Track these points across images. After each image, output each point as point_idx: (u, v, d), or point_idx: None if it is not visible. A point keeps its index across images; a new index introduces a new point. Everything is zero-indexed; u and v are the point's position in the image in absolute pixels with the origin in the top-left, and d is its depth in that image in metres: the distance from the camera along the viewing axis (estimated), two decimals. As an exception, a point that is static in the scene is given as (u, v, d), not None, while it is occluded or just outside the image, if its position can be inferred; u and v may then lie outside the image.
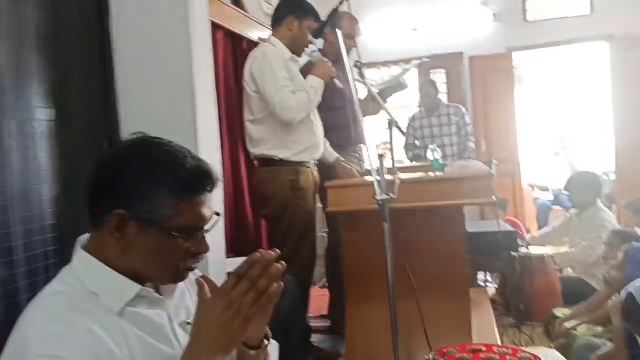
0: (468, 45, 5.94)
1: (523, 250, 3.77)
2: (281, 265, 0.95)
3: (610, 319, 2.98)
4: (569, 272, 4.07)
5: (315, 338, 3.28)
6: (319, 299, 3.89)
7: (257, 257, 0.94)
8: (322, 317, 3.62)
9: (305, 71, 2.92)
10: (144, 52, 2.19)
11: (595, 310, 3.19)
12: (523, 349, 1.60)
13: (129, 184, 1.00)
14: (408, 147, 5.18)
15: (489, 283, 4.35)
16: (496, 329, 2.80)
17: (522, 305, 3.59)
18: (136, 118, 2.12)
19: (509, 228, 3.79)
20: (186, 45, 2.18)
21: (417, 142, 5.09)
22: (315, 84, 2.79)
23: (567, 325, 3.15)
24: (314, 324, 3.42)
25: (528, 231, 5.37)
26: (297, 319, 2.95)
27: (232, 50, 3.63)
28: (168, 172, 1.00)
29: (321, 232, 3.96)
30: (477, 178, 2.33)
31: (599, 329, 3.00)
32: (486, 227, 3.77)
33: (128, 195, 0.99)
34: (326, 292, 3.73)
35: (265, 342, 1.10)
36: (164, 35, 2.19)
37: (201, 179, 1.03)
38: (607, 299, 3.09)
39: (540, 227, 5.74)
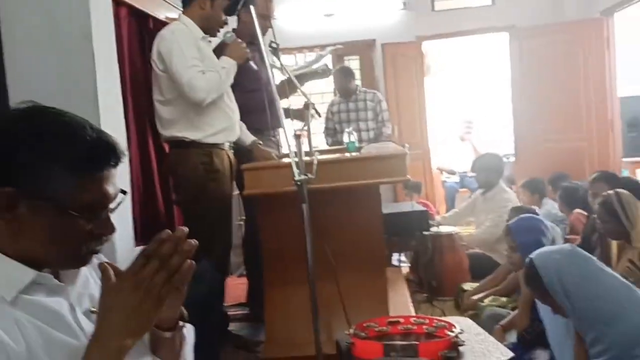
0: (380, 33, 6.05)
1: (434, 229, 3.91)
2: (193, 242, 0.89)
3: (513, 289, 3.19)
4: (475, 248, 4.28)
5: (233, 326, 3.23)
6: (237, 288, 3.83)
7: (166, 235, 0.88)
8: (240, 305, 3.57)
9: (219, 52, 2.82)
10: (37, 26, 2.02)
11: (499, 282, 3.40)
12: (438, 318, 1.65)
13: (17, 158, 0.89)
14: (327, 132, 5.21)
15: (402, 262, 4.50)
16: (411, 305, 2.89)
17: (433, 281, 3.74)
18: (26, 91, 1.95)
19: (422, 208, 3.92)
20: (85, 19, 2.04)
21: (337, 127, 5.13)
22: (228, 64, 2.71)
23: (474, 297, 3.32)
24: (232, 312, 3.37)
25: (437, 213, 5.59)
26: (214, 307, 2.88)
27: (138, 29, 3.44)
28: (64, 144, 0.90)
29: (237, 219, 3.89)
30: (393, 157, 2.37)
31: (504, 299, 3.19)
32: (400, 208, 3.88)
33: (17, 171, 0.88)
34: (243, 280, 3.68)
35: (181, 323, 1.04)
36: (62, 7, 2.03)
37: (103, 151, 0.93)
38: (510, 272, 3.28)
39: (448, 209, 6.00)
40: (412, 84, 6.02)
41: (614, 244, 3.07)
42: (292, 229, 2.35)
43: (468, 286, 3.62)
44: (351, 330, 1.55)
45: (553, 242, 2.60)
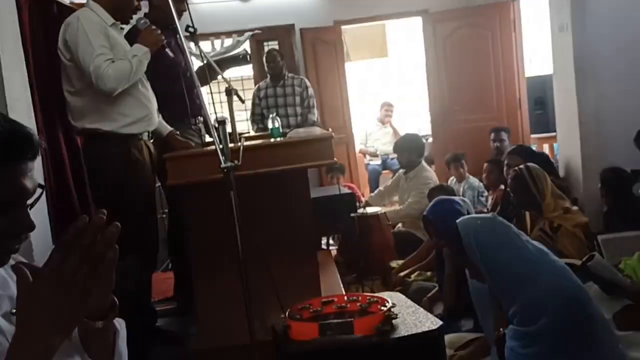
0: (299, 17, 6.03)
1: (360, 210, 3.99)
2: (115, 228, 0.85)
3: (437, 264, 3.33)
4: (399, 227, 4.42)
5: (162, 322, 3.13)
6: (162, 282, 3.73)
7: (84, 223, 0.83)
8: (168, 299, 3.47)
9: (132, 39, 2.70)
10: None
11: (424, 258, 3.53)
12: (370, 294, 1.68)
13: None
14: (254, 118, 5.14)
15: (331, 246, 4.56)
16: (341, 286, 2.94)
17: (362, 261, 3.82)
18: None
19: (348, 191, 3.98)
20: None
21: (265, 112, 5.07)
22: (140, 52, 2.60)
23: (401, 274, 3.44)
24: (159, 307, 3.27)
25: (362, 195, 5.70)
26: (142, 304, 2.80)
27: (40, 16, 3.22)
28: None
29: (159, 213, 3.77)
30: (319, 140, 2.38)
31: (428, 273, 3.32)
32: (327, 192, 3.92)
33: None
34: (168, 275, 3.58)
35: (112, 311, 0.99)
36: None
37: (19, 143, 0.87)
38: (433, 248, 3.41)
39: (372, 191, 6.14)
40: (332, 68, 6.06)
41: (527, 215, 3.27)
42: (219, 217, 2.30)
43: (395, 264, 3.74)
44: (286, 314, 1.55)
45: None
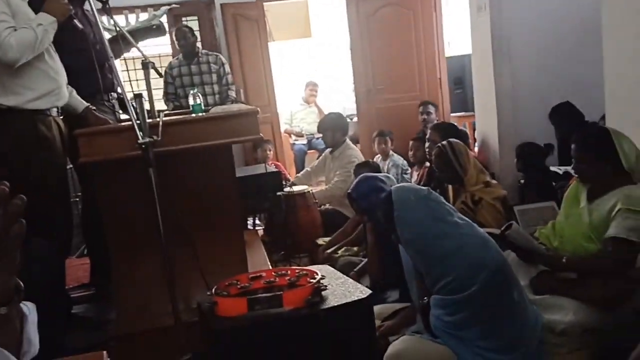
0: (219, -8, 5.83)
1: (287, 189, 3.95)
2: (20, 200, 0.76)
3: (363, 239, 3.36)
4: (326, 205, 4.43)
5: (78, 309, 2.96)
6: (77, 269, 3.53)
7: None
8: (84, 286, 3.29)
9: (36, 8, 2.48)
10: None
11: (350, 234, 3.56)
12: (299, 267, 1.65)
13: None
14: (168, 97, 4.93)
15: (258, 226, 4.50)
16: (269, 265, 2.90)
17: (289, 239, 3.79)
18: None
19: (274, 170, 3.93)
20: None
21: (179, 92, 4.88)
22: (45, 21, 2.40)
23: (328, 251, 3.44)
24: (74, 294, 3.09)
25: (289, 174, 5.67)
26: (55, 290, 2.62)
27: None
28: None
29: (72, 197, 3.55)
30: (244, 115, 2.30)
31: (355, 249, 3.34)
32: (253, 170, 3.85)
33: None
34: (83, 261, 3.39)
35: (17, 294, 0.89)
36: None
37: None
38: (359, 224, 3.44)
39: (298, 171, 6.11)
40: (255, 46, 5.93)
41: (450, 189, 3.36)
42: (139, 195, 2.19)
43: (322, 241, 3.74)
44: (213, 291, 1.49)
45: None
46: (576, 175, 2.44)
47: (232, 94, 4.94)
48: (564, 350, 2.17)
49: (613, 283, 2.18)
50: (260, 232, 4.25)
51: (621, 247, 2.18)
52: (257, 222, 4.64)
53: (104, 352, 1.18)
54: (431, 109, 5.10)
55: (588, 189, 2.42)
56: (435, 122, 4.97)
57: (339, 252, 3.37)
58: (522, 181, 3.58)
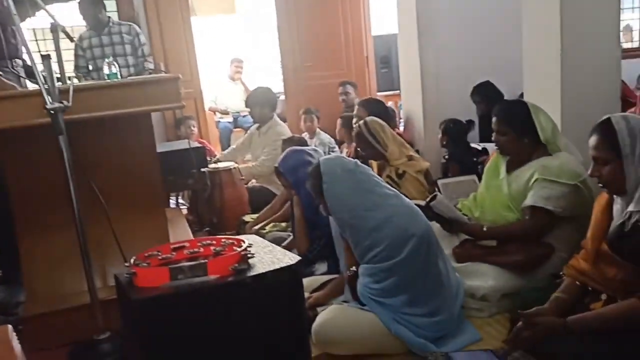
0: (137, -39, 5.51)
1: (211, 165, 3.83)
2: None
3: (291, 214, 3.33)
4: (253, 182, 4.35)
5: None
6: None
7: None
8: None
9: None
10: None
11: (278, 211, 3.51)
12: (225, 236, 1.59)
13: None
14: (79, 70, 4.61)
15: (181, 205, 4.36)
16: (193, 241, 2.79)
17: (214, 217, 3.69)
18: None
19: (198, 145, 3.80)
20: None
21: (90, 65, 4.57)
22: None
23: (256, 227, 3.38)
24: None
25: (214, 152, 5.52)
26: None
27: None
28: None
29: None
30: (164, 81, 2.18)
31: (283, 224, 3.31)
32: (176, 146, 3.70)
33: None
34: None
35: None
36: None
37: None
38: (287, 200, 3.40)
39: (223, 148, 5.97)
40: (177, 19, 5.67)
41: (374, 164, 3.39)
42: (50, 167, 2.03)
43: (249, 218, 3.67)
44: (132, 261, 1.40)
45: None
46: (496, 148, 2.51)
47: (149, 65, 4.68)
48: (484, 314, 2.26)
49: (531, 249, 2.27)
50: (184, 211, 4.11)
51: (538, 215, 2.28)
52: (180, 200, 4.49)
53: (9, 325, 1.07)
54: (350, 88, 5.12)
55: (507, 161, 2.50)
56: (356, 101, 5.00)
57: (267, 227, 3.31)
58: (446, 156, 3.68)
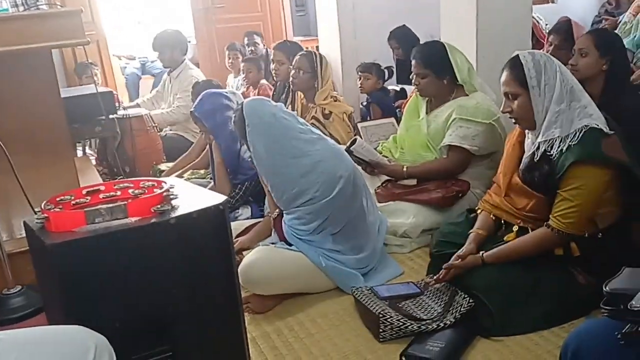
0: None
1: (121, 112, 3.61)
2: None
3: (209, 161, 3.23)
4: (167, 131, 4.17)
5: None
6: None
7: None
8: None
9: None
10: None
11: (196, 157, 3.39)
12: (145, 179, 1.49)
13: None
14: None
15: (89, 155, 4.10)
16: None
17: (126, 166, 3.52)
18: None
19: (106, 89, 3.55)
20: None
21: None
22: None
23: (173, 175, 3.25)
24: None
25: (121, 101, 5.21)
26: None
27: None
28: None
29: None
30: (65, 14, 1.97)
31: (202, 171, 3.21)
32: (81, 91, 3.42)
33: None
34: None
35: None
36: None
37: None
38: (205, 147, 3.29)
39: (131, 97, 5.64)
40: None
41: (299, 103, 3.36)
42: None
43: (164, 167, 3.54)
44: (42, 206, 1.28)
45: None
46: (416, 90, 2.55)
47: (43, 5, 4.26)
48: (406, 250, 2.34)
49: (448, 186, 2.36)
50: (93, 162, 3.88)
51: (455, 154, 2.36)
52: (88, 150, 4.23)
53: None
54: (257, 39, 4.96)
55: (427, 101, 2.55)
56: (262, 52, 4.88)
57: (185, 175, 3.20)
58: (369, 100, 3.68)
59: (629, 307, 0.87)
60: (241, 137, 2.06)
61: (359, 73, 3.69)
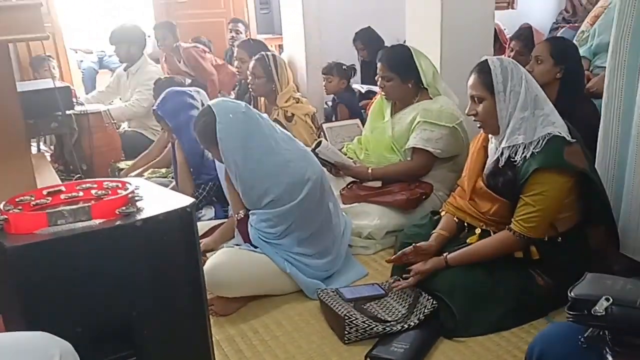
0: None
1: (78, 108, 3.50)
2: None
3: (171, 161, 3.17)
4: (125, 128, 4.07)
5: None
6: None
7: None
8: None
9: None
10: None
11: (157, 156, 3.32)
12: (108, 179, 1.45)
13: None
14: None
15: (45, 151, 3.96)
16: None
17: (83, 164, 3.41)
18: None
19: (63, 84, 3.43)
20: None
21: None
22: None
23: (132, 174, 3.18)
24: None
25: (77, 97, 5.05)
26: None
27: None
28: None
29: None
30: (24, 7, 1.89)
31: (163, 170, 3.15)
32: (37, 85, 3.29)
33: None
34: None
35: None
36: None
37: None
38: (166, 145, 3.23)
39: (87, 92, 5.48)
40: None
41: (261, 104, 3.33)
42: None
43: (123, 165, 3.45)
44: (0, 207, 1.23)
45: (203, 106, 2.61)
46: (382, 93, 2.57)
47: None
48: (370, 251, 2.36)
49: (412, 188, 2.39)
50: (48, 158, 3.74)
51: (419, 156, 2.40)
52: (42, 146, 4.08)
53: None
54: (241, 27, 4.90)
55: (391, 104, 2.58)
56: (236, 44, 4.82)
57: (146, 174, 3.13)
58: (336, 99, 3.68)
59: (592, 312, 0.91)
60: (206, 138, 2.01)
61: (322, 75, 3.70)
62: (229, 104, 2.03)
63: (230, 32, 4.85)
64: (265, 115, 2.10)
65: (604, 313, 0.90)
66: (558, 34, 3.96)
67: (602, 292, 0.92)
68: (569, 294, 0.98)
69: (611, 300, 0.91)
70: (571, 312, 0.96)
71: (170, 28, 4.47)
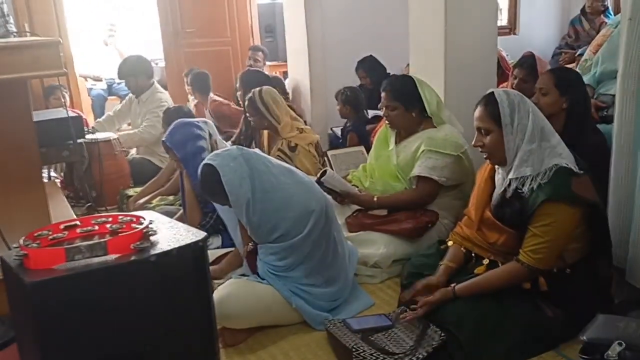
0: None
1: (89, 136, 3.57)
2: None
3: (179, 188, 3.20)
4: (133, 154, 4.13)
5: None
6: None
7: None
8: None
9: None
10: None
11: (164, 184, 3.37)
12: (122, 213, 1.49)
13: None
14: None
15: (55, 179, 4.01)
16: (75, 217, 2.60)
17: (93, 191, 3.46)
18: None
19: (74, 114, 3.51)
20: None
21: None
22: None
23: (141, 201, 3.22)
24: None
25: (87, 124, 5.12)
26: None
27: None
28: None
29: None
30: (43, 45, 1.95)
31: (171, 198, 3.19)
32: (50, 115, 3.36)
33: None
34: None
35: None
36: None
37: None
38: (174, 172, 3.27)
39: (97, 118, 5.56)
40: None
41: (265, 135, 3.37)
42: None
43: (132, 192, 3.50)
44: (21, 242, 1.27)
45: (211, 137, 2.65)
46: (387, 122, 2.61)
47: (12, 27, 4.19)
48: (376, 280, 2.38)
49: (418, 217, 2.42)
50: (58, 185, 3.79)
51: (424, 184, 2.43)
52: (53, 174, 4.14)
53: None
54: (260, 55, 4.96)
55: (396, 132, 2.62)
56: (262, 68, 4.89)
57: (154, 202, 3.17)
58: (347, 125, 3.72)
59: (605, 356, 0.91)
60: (215, 195, 2.02)
61: (339, 99, 3.76)
62: (223, 154, 2.03)
63: (249, 59, 4.91)
64: (257, 151, 2.12)
65: (617, 358, 0.90)
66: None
67: (615, 335, 0.92)
68: (580, 337, 0.98)
69: (624, 345, 0.91)
70: (584, 357, 0.96)
71: (206, 79, 4.58)
